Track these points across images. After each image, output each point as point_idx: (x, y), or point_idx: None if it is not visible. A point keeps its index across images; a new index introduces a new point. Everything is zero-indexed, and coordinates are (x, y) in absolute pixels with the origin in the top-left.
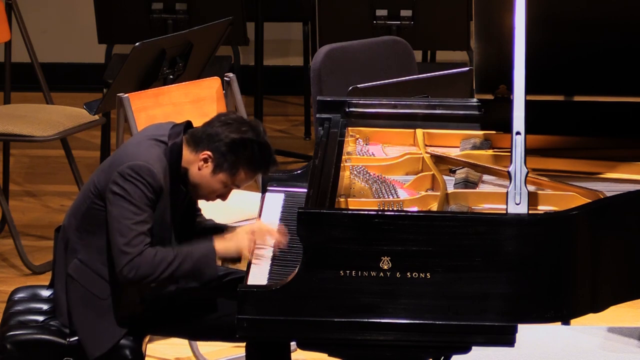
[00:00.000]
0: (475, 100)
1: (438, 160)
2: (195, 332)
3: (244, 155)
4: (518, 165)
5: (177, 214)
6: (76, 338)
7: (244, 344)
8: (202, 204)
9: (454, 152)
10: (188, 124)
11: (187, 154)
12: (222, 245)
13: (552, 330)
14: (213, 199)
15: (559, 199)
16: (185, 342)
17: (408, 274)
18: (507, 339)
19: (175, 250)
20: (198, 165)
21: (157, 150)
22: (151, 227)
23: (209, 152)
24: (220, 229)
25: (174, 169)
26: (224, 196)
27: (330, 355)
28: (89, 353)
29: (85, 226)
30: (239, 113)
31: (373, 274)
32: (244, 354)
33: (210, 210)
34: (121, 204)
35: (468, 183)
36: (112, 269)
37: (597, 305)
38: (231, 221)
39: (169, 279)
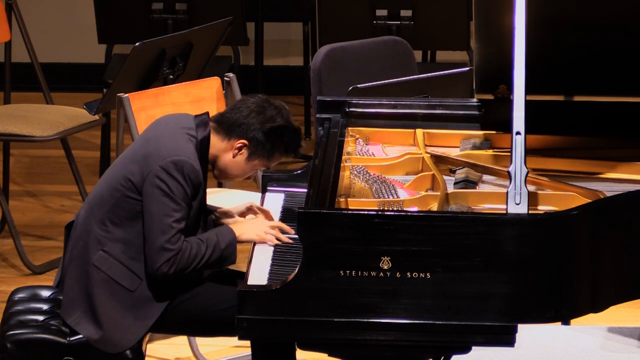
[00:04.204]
0: (475, 100)
1: (438, 160)
2: (197, 327)
3: (281, 142)
4: (518, 165)
5: (205, 205)
6: (76, 337)
7: (245, 343)
8: None
9: (454, 152)
10: (208, 115)
11: (216, 142)
12: (240, 232)
13: (552, 330)
14: (240, 180)
15: (559, 199)
16: (185, 342)
17: (408, 274)
18: (507, 339)
19: (205, 242)
20: (232, 153)
21: (191, 145)
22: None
23: (244, 141)
24: (212, 211)
25: (204, 163)
26: (250, 177)
27: (330, 355)
28: (112, 347)
29: (113, 219)
30: None
31: (373, 274)
32: (244, 354)
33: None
34: (163, 200)
35: (468, 183)
36: (141, 261)
37: (597, 305)
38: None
39: (199, 270)
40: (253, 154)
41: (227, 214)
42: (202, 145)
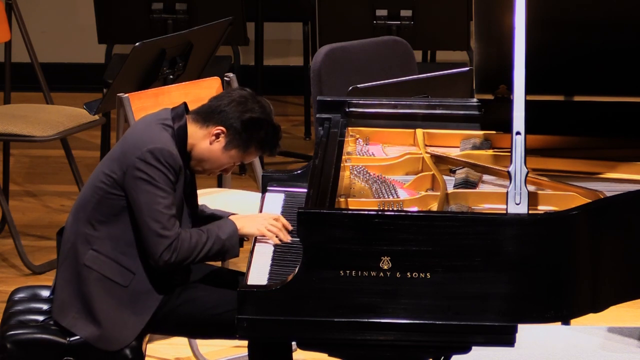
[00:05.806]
0: (475, 100)
1: (438, 160)
2: (196, 329)
3: (257, 135)
4: (518, 165)
5: (187, 194)
6: (76, 338)
7: (245, 343)
8: (203, 201)
9: (454, 152)
10: (186, 106)
11: (194, 130)
12: (241, 224)
13: (552, 330)
14: (216, 173)
15: (559, 199)
16: (185, 342)
17: (408, 274)
18: (507, 339)
19: (206, 232)
20: (209, 139)
21: (167, 134)
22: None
23: (222, 128)
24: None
25: (182, 152)
26: (227, 171)
27: (330, 355)
28: (112, 344)
29: (98, 217)
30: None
31: (373, 274)
32: (244, 354)
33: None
34: (148, 189)
35: (468, 183)
36: (132, 256)
37: (597, 305)
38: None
39: (200, 261)
40: (230, 143)
41: None
42: (179, 134)
